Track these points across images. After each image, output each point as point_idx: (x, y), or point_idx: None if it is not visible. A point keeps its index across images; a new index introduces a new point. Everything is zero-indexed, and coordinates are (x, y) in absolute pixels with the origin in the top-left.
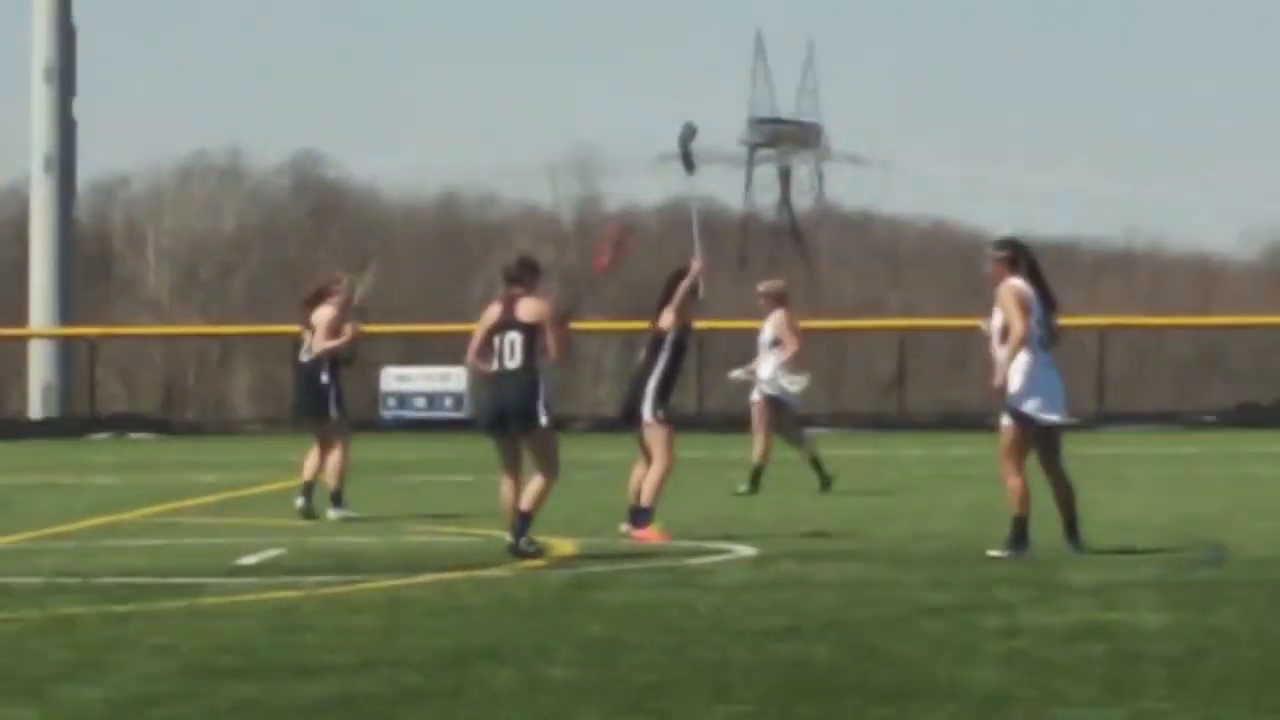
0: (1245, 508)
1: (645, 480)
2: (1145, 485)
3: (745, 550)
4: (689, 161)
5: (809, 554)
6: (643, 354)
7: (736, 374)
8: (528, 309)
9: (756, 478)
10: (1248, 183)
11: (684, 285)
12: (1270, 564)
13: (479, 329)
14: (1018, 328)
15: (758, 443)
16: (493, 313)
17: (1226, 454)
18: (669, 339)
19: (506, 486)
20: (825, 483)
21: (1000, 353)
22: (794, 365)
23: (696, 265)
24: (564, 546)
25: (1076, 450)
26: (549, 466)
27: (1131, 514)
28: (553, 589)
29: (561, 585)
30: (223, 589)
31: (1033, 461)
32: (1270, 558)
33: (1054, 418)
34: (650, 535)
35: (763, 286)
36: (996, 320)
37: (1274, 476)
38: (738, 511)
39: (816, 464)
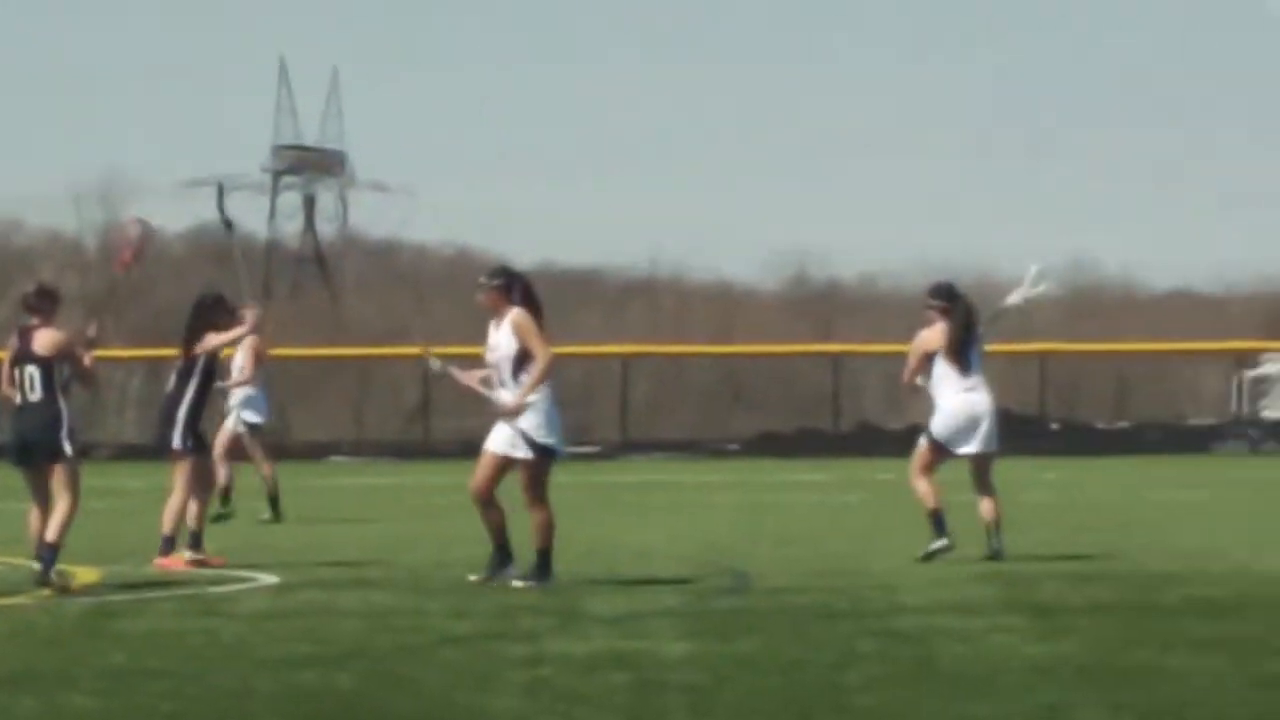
0: (766, 536)
1: (166, 508)
2: (668, 513)
3: (268, 578)
4: (226, 222)
5: (332, 582)
6: (172, 381)
7: (226, 387)
8: (43, 341)
9: (274, 504)
10: (769, 212)
11: (236, 333)
12: (791, 592)
13: (4, 360)
14: (544, 355)
15: (262, 469)
16: (10, 344)
17: (748, 482)
18: (198, 367)
19: (35, 516)
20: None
21: (500, 378)
22: (254, 390)
23: (252, 315)
24: (88, 575)
25: (600, 478)
26: (69, 495)
27: (654, 542)
28: (75, 617)
29: (84, 613)
30: None
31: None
32: (791, 586)
33: (564, 450)
34: (172, 563)
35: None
36: (508, 349)
37: (794, 504)
38: (261, 539)
39: (227, 494)
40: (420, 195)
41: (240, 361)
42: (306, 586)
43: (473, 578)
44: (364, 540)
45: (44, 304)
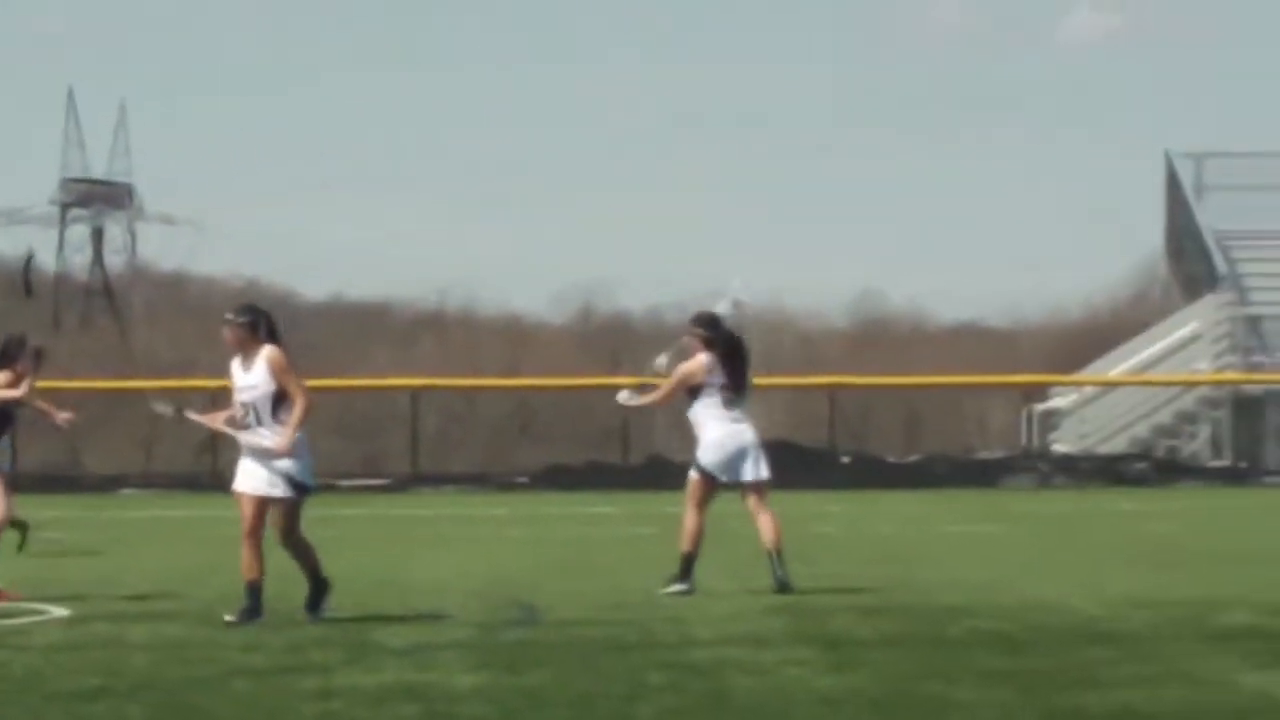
0: (556, 568)
1: None
2: (458, 546)
3: (60, 611)
4: (28, 287)
5: (123, 614)
6: None
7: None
8: None
9: (21, 533)
10: (557, 245)
11: (11, 394)
12: (581, 625)
13: None
14: (302, 395)
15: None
16: None
17: (537, 515)
18: None
19: None
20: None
21: (254, 418)
22: None
23: (28, 382)
24: None
25: (390, 511)
26: None
27: (444, 575)
28: None
29: None
30: None
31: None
32: (581, 618)
33: (315, 485)
34: None
35: None
36: (265, 388)
37: (584, 537)
38: (52, 572)
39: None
40: (208, 227)
41: None
42: (98, 619)
43: (228, 618)
44: (155, 573)
45: None
